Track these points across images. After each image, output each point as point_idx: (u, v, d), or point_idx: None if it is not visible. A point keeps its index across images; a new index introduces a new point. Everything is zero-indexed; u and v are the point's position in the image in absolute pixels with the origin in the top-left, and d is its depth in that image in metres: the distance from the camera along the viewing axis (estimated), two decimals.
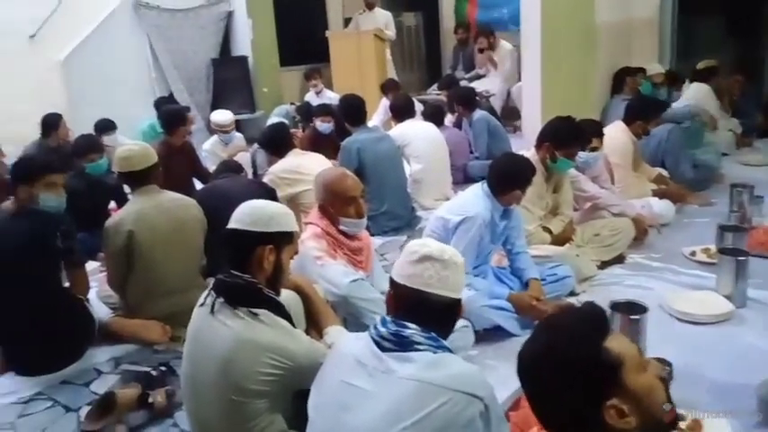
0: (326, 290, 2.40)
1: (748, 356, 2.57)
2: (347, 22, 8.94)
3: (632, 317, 2.48)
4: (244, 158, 5.30)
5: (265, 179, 3.98)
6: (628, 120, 4.29)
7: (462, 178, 5.30)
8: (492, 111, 6.51)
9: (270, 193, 3.55)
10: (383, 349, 1.57)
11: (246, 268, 1.86)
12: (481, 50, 7.69)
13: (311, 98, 7.21)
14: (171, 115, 4.81)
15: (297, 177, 3.87)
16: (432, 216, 3.30)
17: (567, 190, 3.61)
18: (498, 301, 2.86)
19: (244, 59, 7.78)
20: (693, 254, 3.56)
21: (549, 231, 3.48)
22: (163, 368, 2.68)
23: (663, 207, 4.13)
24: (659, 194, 4.27)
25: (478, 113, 5.62)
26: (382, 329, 1.59)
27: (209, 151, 5.48)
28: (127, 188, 3.46)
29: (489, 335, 2.81)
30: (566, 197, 3.60)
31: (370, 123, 6.37)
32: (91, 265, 3.63)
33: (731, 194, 4.02)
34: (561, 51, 5.33)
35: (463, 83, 7.35)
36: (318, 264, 2.46)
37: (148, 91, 7.20)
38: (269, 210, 1.91)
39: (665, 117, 4.64)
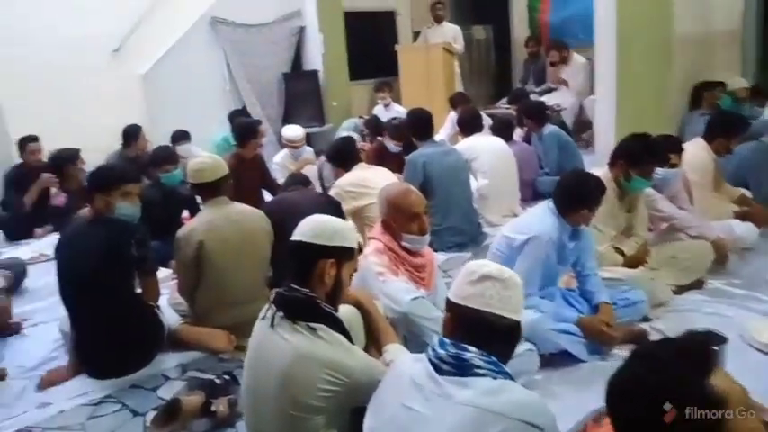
0: (387, 306, 2.38)
1: None
2: (416, 36, 8.98)
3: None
4: (311, 171, 5.39)
5: (331, 192, 4.01)
6: (708, 136, 4.07)
7: (531, 194, 5.19)
8: (563, 125, 6.36)
9: (335, 207, 3.57)
10: (441, 372, 1.54)
11: (307, 282, 1.87)
12: (553, 64, 7.56)
13: (379, 112, 7.25)
14: (243, 128, 4.94)
15: (362, 191, 3.88)
16: (497, 234, 3.23)
17: (642, 210, 3.46)
18: (565, 324, 2.76)
19: (314, 73, 7.92)
20: None
21: (622, 253, 3.33)
22: (227, 377, 2.72)
23: (745, 230, 3.88)
24: (741, 216, 4.02)
25: (549, 128, 5.51)
26: (441, 352, 1.56)
27: (279, 164, 5.59)
28: (199, 198, 3.55)
29: (555, 359, 2.71)
30: (640, 217, 3.45)
31: (438, 137, 6.36)
32: (163, 273, 3.75)
33: None
34: (637, 64, 5.14)
35: (534, 96, 7.23)
36: (380, 279, 2.45)
37: (223, 104, 7.43)
38: (332, 224, 1.92)
39: (748, 134, 4.39)
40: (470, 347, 1.54)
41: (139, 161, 5.66)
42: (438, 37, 8.03)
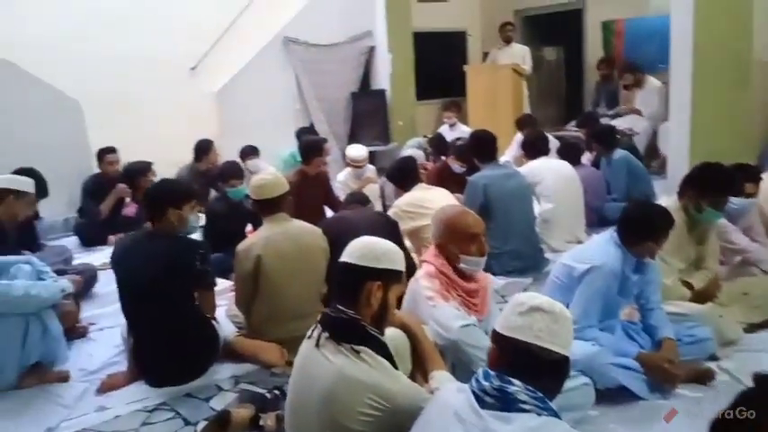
0: (436, 332, 2.34)
1: None
2: (485, 56, 8.94)
3: None
4: (373, 190, 5.42)
5: (389, 212, 4.02)
6: None
7: (597, 220, 5.02)
8: (634, 150, 6.15)
9: (392, 226, 3.57)
10: (484, 405, 1.50)
11: (354, 303, 1.86)
12: (627, 87, 7.35)
13: (445, 131, 7.23)
14: (309, 146, 5.03)
15: (420, 211, 3.86)
16: (557, 261, 3.14)
17: (714, 242, 3.29)
18: (625, 359, 2.63)
19: (382, 93, 8.00)
20: None
21: (690, 287, 3.17)
22: (277, 392, 2.75)
23: None
24: None
25: (618, 153, 5.34)
26: (485, 384, 1.52)
27: (342, 182, 5.65)
28: None
29: (613, 395, 2.59)
30: (711, 249, 3.28)
31: (503, 159, 6.29)
32: (224, 284, 3.86)
33: None
34: (713, 89, 4.92)
35: (605, 120, 7.05)
36: (430, 304, 2.41)
37: (292, 121, 7.59)
38: (380, 246, 1.91)
39: None
40: (515, 381, 1.49)
41: (209, 175, 5.86)
42: (507, 58, 8.00)
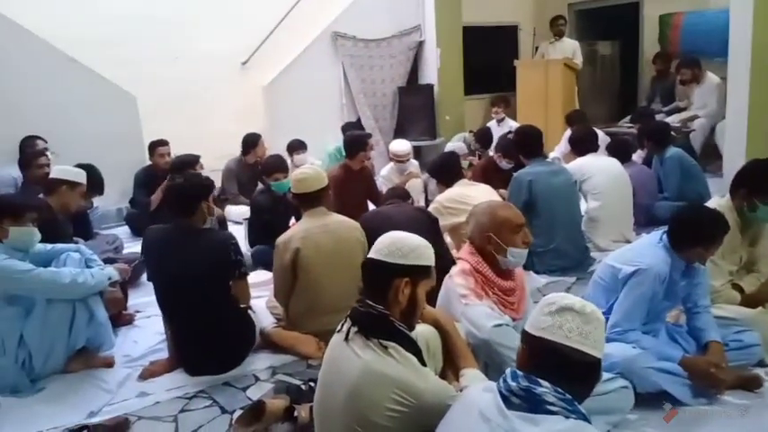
0: (468, 331, 2.31)
1: None
2: (537, 51, 8.78)
3: None
4: (416, 185, 5.40)
5: (430, 207, 3.99)
6: None
7: (646, 220, 4.87)
8: (689, 148, 5.93)
9: (432, 222, 3.55)
10: (510, 406, 1.47)
11: (383, 299, 1.85)
12: (683, 82, 7.08)
13: (492, 127, 7.14)
14: (352, 141, 5.04)
15: (461, 207, 3.81)
16: (602, 261, 3.05)
17: (766, 244, 3.14)
18: (668, 364, 2.53)
19: (429, 87, 7.94)
20: None
21: (741, 290, 3.04)
22: (312, 384, 2.75)
23: None
24: None
25: (671, 150, 5.14)
26: (512, 384, 1.49)
27: (386, 177, 5.65)
28: None
29: (654, 399, 2.50)
30: (763, 252, 3.14)
31: (552, 155, 6.17)
32: (266, 275, 3.91)
33: None
34: None
35: (660, 116, 6.82)
36: (463, 302, 2.37)
37: (338, 116, 7.62)
38: (408, 242, 1.89)
39: None
40: (543, 382, 1.46)
41: (257, 168, 5.94)
42: (557, 53, 7.86)
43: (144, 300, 3.92)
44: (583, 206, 4.61)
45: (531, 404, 1.45)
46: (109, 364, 3.08)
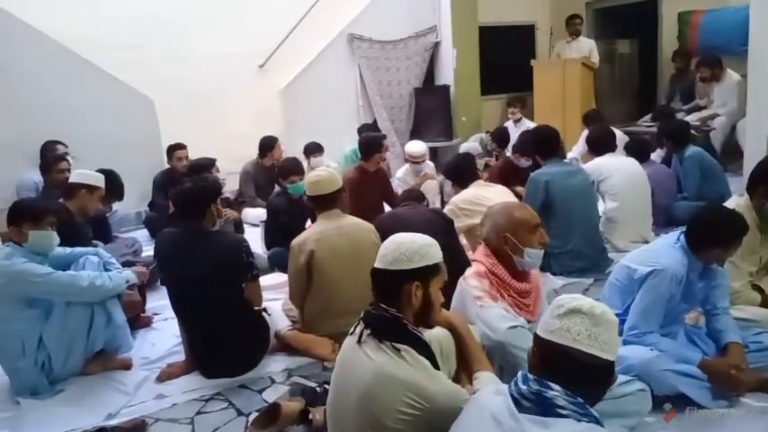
0: (483, 333, 2.30)
1: None
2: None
3: None
4: (432, 186, 5.38)
5: (445, 209, 3.98)
6: None
7: (665, 220, 4.81)
8: (710, 147, 5.85)
9: (447, 223, 3.54)
10: (521, 409, 1.47)
11: (395, 303, 1.85)
12: (704, 80, 6.98)
13: (509, 127, 7.11)
14: (367, 142, 5.05)
15: (477, 209, 3.79)
16: (618, 262, 3.02)
17: None
18: (687, 366, 2.50)
19: (446, 88, 7.92)
20: None
21: (761, 291, 2.99)
22: (327, 386, 2.76)
23: None
24: None
25: (691, 149, 5.07)
26: (523, 387, 1.49)
27: (401, 179, 5.65)
28: None
29: (672, 402, 2.45)
30: None
31: (570, 155, 6.12)
32: (281, 278, 3.92)
33: None
34: None
35: (680, 115, 6.73)
36: (477, 304, 2.36)
37: (355, 118, 7.64)
38: (410, 246, 1.88)
39: None
40: (554, 386, 1.45)
41: (274, 171, 5.97)
42: (573, 52, 7.81)
43: (162, 302, 3.93)
44: (600, 207, 4.56)
45: (542, 407, 1.44)
46: (127, 366, 3.11)
